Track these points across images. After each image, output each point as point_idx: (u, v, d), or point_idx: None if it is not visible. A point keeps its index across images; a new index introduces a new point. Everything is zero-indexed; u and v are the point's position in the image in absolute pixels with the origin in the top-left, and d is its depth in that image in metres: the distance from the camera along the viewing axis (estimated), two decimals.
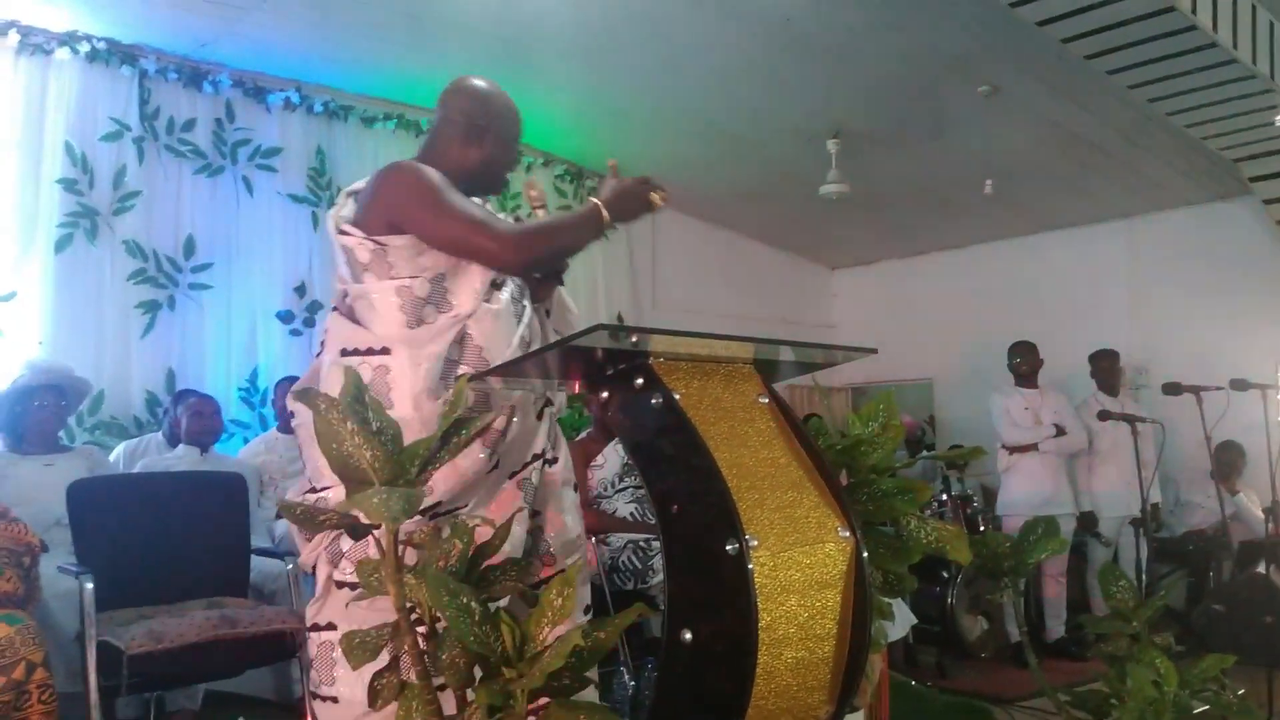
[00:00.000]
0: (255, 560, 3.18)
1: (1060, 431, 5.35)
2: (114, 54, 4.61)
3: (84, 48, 4.51)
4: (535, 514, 2.13)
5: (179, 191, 4.81)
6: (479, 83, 2.23)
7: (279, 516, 4.08)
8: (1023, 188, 6.17)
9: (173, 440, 4.09)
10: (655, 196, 2.07)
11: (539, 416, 2.14)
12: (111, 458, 4.11)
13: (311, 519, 1.59)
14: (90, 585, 2.46)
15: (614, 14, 4.57)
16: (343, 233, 2.06)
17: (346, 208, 2.13)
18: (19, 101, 4.38)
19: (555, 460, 2.18)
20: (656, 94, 5.46)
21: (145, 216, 4.69)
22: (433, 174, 2.05)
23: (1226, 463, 5.56)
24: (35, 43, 4.41)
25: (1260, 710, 4.19)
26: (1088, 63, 4.31)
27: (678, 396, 1.76)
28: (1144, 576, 4.95)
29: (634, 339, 1.79)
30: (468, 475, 1.93)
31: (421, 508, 1.74)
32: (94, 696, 2.36)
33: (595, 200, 2.06)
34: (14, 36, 4.35)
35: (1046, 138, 5.57)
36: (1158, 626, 3.02)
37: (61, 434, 3.92)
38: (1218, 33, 4.01)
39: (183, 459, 3.87)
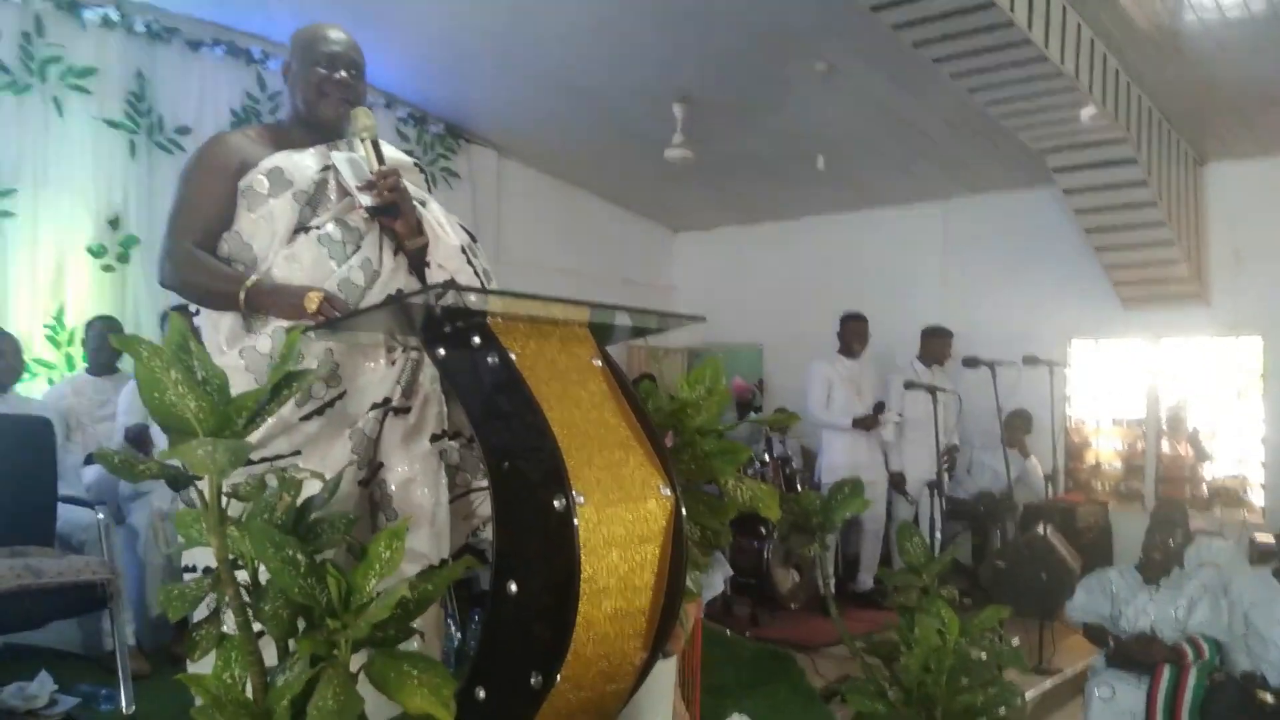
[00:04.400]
0: (61, 509, 3.01)
1: (879, 409, 5.69)
2: None
3: None
4: (379, 466, 2.08)
5: None
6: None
7: (88, 462, 3.87)
8: (852, 165, 6.48)
9: None
10: (308, 301, 1.97)
11: (391, 363, 2.09)
12: None
13: (130, 469, 1.55)
14: None
15: None
16: None
17: None
18: None
19: (406, 410, 2.11)
20: (505, 42, 5.39)
21: None
22: (199, 160, 2.13)
23: (1015, 428, 6.08)
24: None
25: (1033, 657, 4.69)
26: (916, 50, 4.56)
27: (513, 356, 1.80)
28: (938, 534, 5.39)
29: (472, 298, 1.82)
30: (274, 425, 1.92)
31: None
32: None
33: (250, 284, 2.01)
34: None
35: (876, 118, 5.86)
36: (949, 580, 3.31)
37: None
38: (1032, 30, 4.32)
39: None
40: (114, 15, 4.83)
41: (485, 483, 2.24)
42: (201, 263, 2.06)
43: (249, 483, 1.62)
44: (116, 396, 4.06)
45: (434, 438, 2.16)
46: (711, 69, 5.48)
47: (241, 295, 2.00)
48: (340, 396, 2.04)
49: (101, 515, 2.82)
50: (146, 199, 4.93)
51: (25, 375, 4.13)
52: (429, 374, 2.15)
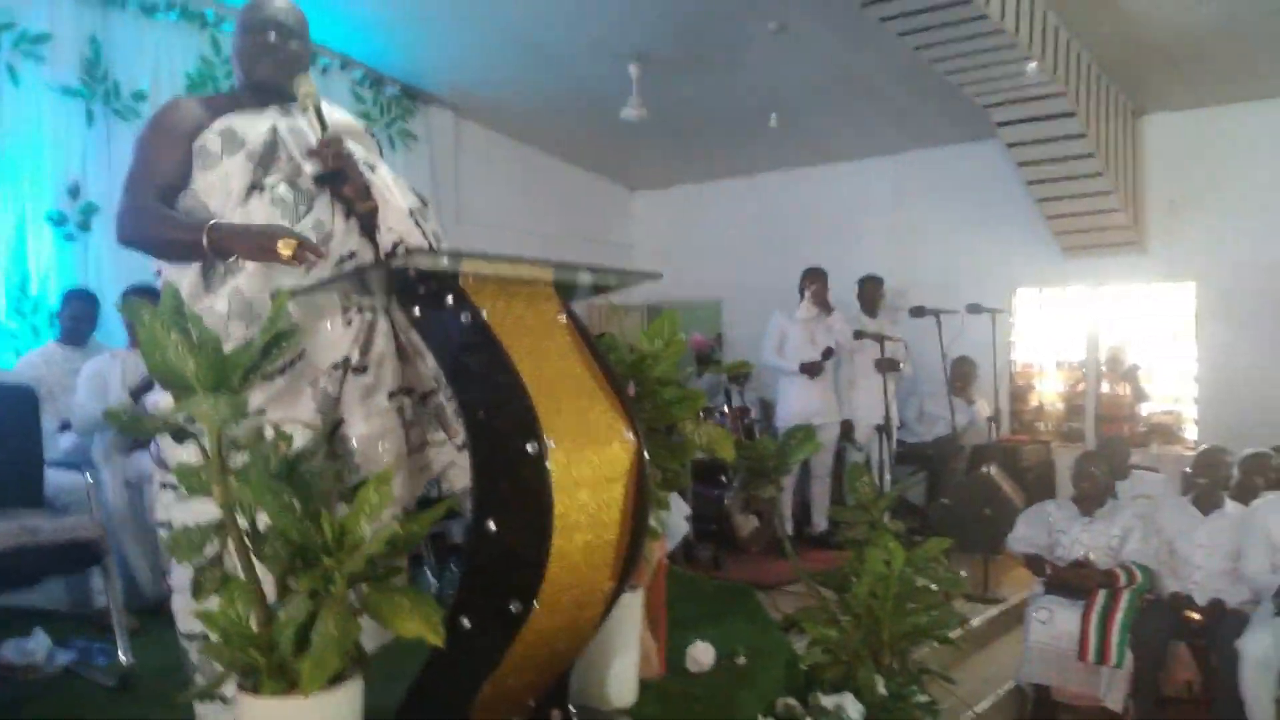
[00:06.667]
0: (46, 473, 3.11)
1: (826, 355, 5.85)
2: None
3: None
4: (339, 423, 2.17)
5: None
6: None
7: (62, 429, 3.95)
8: (806, 121, 6.62)
9: None
10: (283, 246, 1.98)
11: (348, 323, 2.19)
12: None
13: (137, 424, 1.68)
14: None
15: None
16: None
17: None
18: None
19: (364, 369, 2.21)
20: (465, 4, 5.43)
21: None
22: (154, 123, 2.20)
23: (961, 374, 6.33)
24: None
25: (979, 588, 4.98)
26: (864, 9, 4.70)
27: (485, 314, 1.94)
28: (888, 476, 5.63)
29: (445, 261, 1.95)
30: None
31: None
32: None
33: (210, 226, 2.05)
34: None
35: (828, 75, 6.00)
36: (899, 517, 3.53)
37: None
38: None
39: None
40: None
41: (439, 436, 2.39)
42: (161, 213, 2.11)
43: (248, 434, 1.75)
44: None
45: (390, 395, 2.27)
46: (666, 28, 5.57)
47: (204, 238, 2.03)
48: (301, 355, 2.12)
49: (89, 478, 2.93)
50: (105, 166, 4.93)
51: None
52: (383, 334, 2.25)
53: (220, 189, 2.12)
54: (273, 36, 2.24)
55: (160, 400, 2.07)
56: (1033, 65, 5.14)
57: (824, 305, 5.88)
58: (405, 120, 6.57)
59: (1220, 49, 5.49)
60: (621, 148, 7.54)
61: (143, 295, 3.66)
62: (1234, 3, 4.95)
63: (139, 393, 3.61)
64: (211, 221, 2.05)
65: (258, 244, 2.02)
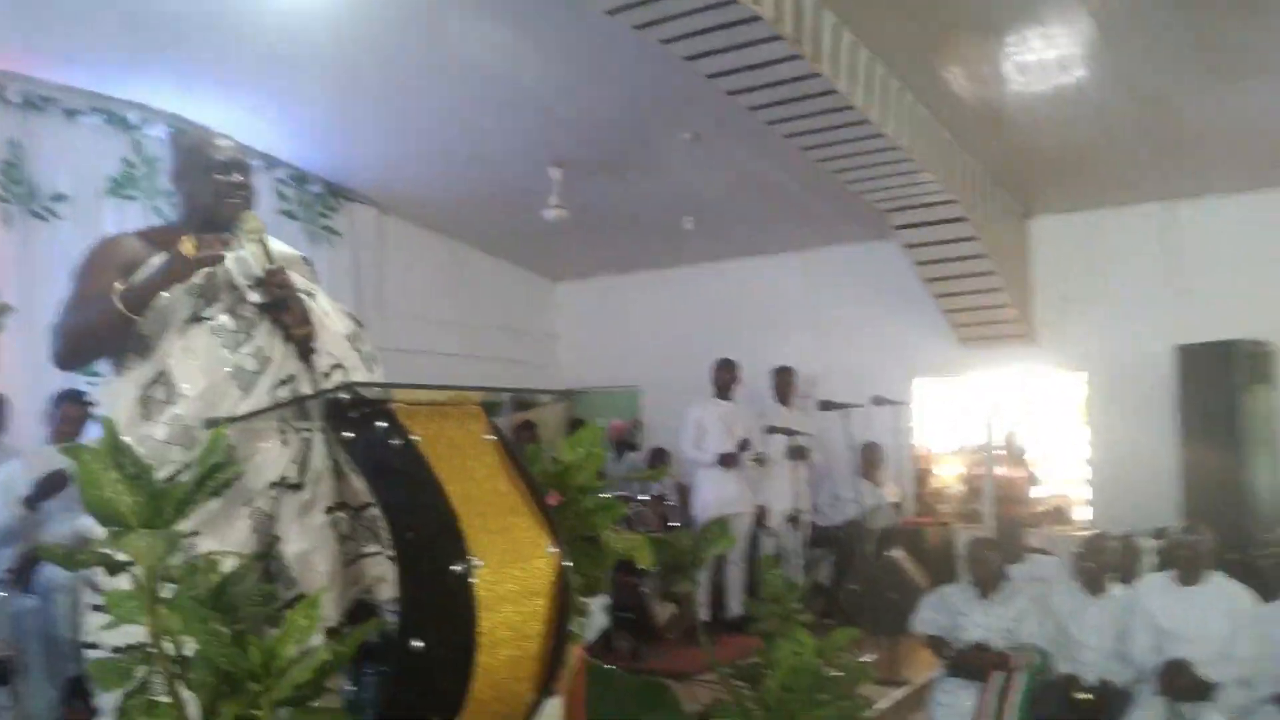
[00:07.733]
0: None
1: (743, 447, 6.08)
2: None
3: None
4: (274, 540, 2.22)
5: None
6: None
7: None
8: (719, 220, 6.93)
9: None
10: (186, 247, 2.15)
11: (284, 443, 2.25)
12: None
13: (70, 559, 1.74)
14: None
15: (345, 34, 4.71)
16: None
17: None
18: None
19: (300, 486, 2.27)
20: (384, 106, 5.61)
21: None
22: (89, 261, 2.29)
23: (869, 459, 6.59)
24: None
25: (885, 670, 5.11)
26: (771, 125, 5.03)
27: (415, 438, 2.05)
28: (801, 559, 5.80)
29: (381, 392, 2.07)
30: None
31: None
32: None
33: (120, 290, 2.17)
34: None
35: (738, 179, 6.34)
36: (811, 602, 3.66)
37: None
38: (872, 110, 4.83)
39: None
40: None
41: (373, 549, 2.43)
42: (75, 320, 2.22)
43: (180, 566, 1.81)
44: None
45: (328, 510, 2.34)
46: (586, 135, 5.84)
47: (118, 303, 2.12)
48: (237, 476, 2.13)
49: (4, 595, 2.89)
50: (23, 266, 4.92)
51: None
52: (320, 451, 2.32)
53: (158, 320, 2.18)
54: (236, 177, 2.35)
55: (94, 525, 2.11)
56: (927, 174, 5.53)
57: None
58: (328, 216, 6.66)
59: (1097, 159, 5.98)
60: (544, 241, 7.73)
61: (75, 401, 3.72)
62: (1107, 120, 5.43)
63: (36, 499, 3.56)
64: (119, 288, 2.14)
65: (166, 270, 2.15)
